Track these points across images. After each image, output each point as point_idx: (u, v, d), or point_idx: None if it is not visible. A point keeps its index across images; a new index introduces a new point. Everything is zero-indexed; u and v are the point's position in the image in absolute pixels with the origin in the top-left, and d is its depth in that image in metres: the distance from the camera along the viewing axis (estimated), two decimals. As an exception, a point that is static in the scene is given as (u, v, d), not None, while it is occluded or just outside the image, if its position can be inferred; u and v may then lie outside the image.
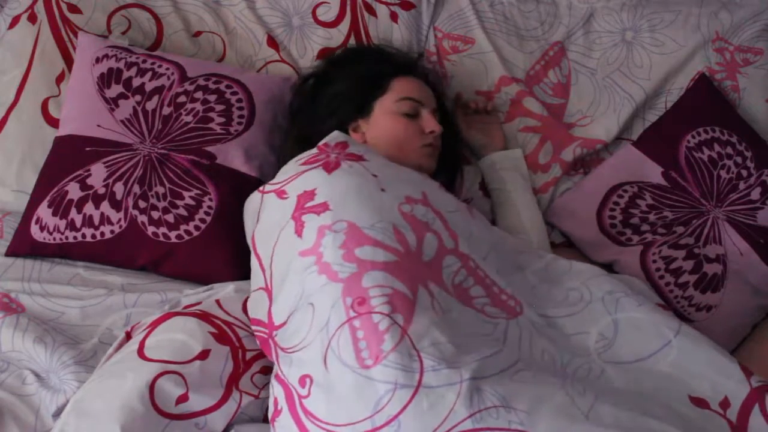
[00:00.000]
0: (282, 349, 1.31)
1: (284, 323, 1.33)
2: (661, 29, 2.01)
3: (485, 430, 1.14)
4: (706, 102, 1.95)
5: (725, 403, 1.30)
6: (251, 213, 1.56)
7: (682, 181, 1.86)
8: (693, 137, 1.90)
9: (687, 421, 1.25)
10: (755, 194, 1.85)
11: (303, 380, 1.24)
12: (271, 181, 1.54)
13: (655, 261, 1.79)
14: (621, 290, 1.47)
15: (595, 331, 1.39)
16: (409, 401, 1.16)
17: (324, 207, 1.39)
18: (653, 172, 1.89)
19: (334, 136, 1.58)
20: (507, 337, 1.34)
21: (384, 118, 1.74)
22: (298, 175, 1.48)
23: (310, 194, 1.42)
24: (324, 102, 1.79)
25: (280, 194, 1.47)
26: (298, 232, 1.38)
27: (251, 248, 1.51)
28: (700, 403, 1.30)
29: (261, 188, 1.55)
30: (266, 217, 1.49)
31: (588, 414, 1.18)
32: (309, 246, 1.35)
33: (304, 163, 1.51)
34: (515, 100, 1.98)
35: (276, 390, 1.31)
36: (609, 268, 1.85)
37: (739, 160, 1.87)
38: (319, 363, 1.23)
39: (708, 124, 1.91)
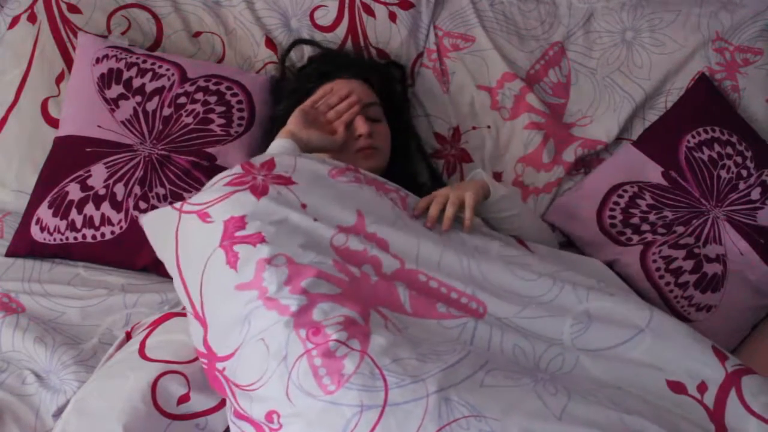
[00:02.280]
0: (237, 386, 1.27)
1: (231, 355, 1.28)
2: (661, 29, 2.01)
3: None
4: (706, 102, 1.95)
5: (702, 387, 1.29)
6: (165, 231, 1.42)
7: (682, 181, 1.87)
8: (693, 137, 1.90)
9: (663, 411, 1.25)
10: (755, 194, 1.85)
11: (270, 416, 1.22)
12: (192, 200, 1.41)
13: (655, 261, 1.79)
14: (588, 285, 1.44)
15: (570, 316, 1.36)
16: (377, 422, 1.14)
17: (259, 238, 1.32)
18: (653, 172, 1.89)
19: (259, 157, 1.50)
20: (474, 337, 1.31)
21: None
22: (224, 198, 1.37)
23: (239, 221, 1.34)
24: (277, 120, 1.79)
25: (203, 217, 1.36)
26: (232, 264, 1.30)
27: (175, 269, 1.39)
28: (677, 387, 1.30)
29: (178, 206, 1.41)
30: (187, 240, 1.38)
31: (561, 416, 1.16)
32: (248, 280, 1.28)
33: (230, 184, 1.40)
34: (519, 96, 1.98)
35: (244, 427, 1.27)
36: (609, 267, 1.85)
37: (739, 160, 1.88)
38: (283, 398, 1.20)
39: (708, 124, 1.91)
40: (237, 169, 1.43)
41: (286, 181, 1.41)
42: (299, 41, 1.98)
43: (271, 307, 1.26)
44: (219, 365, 1.29)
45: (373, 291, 1.32)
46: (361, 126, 1.71)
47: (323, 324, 1.22)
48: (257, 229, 1.32)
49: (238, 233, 1.32)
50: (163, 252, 1.43)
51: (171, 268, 1.40)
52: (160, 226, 1.44)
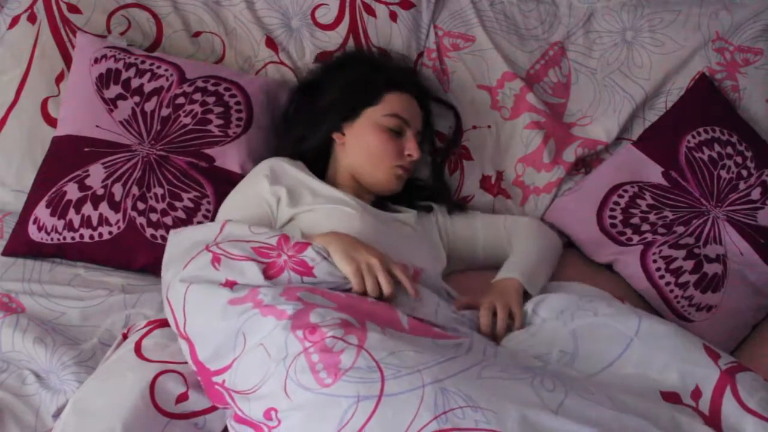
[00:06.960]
0: (238, 392, 1.29)
1: (228, 367, 1.30)
2: (661, 29, 2.01)
3: (452, 431, 1.13)
4: (706, 102, 1.95)
5: (697, 393, 1.29)
6: (181, 255, 1.46)
7: (682, 181, 1.86)
8: (693, 137, 1.90)
9: (661, 408, 1.24)
10: (755, 194, 1.84)
11: (268, 413, 1.23)
12: (220, 243, 1.44)
13: (655, 261, 1.79)
14: (573, 306, 1.46)
15: (556, 350, 1.38)
16: (373, 412, 1.15)
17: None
18: (653, 172, 1.88)
19: (298, 236, 1.50)
20: (472, 349, 1.35)
21: (368, 129, 1.74)
22: (242, 259, 1.40)
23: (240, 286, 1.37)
24: (317, 108, 1.79)
25: (215, 260, 1.40)
26: (228, 286, 1.35)
27: (164, 294, 1.44)
28: (671, 397, 1.29)
29: (209, 245, 1.44)
30: (192, 267, 1.41)
31: (557, 410, 1.17)
32: (242, 295, 1.32)
33: (255, 250, 1.42)
34: (519, 95, 1.98)
35: (245, 431, 1.28)
36: (609, 268, 1.86)
37: (739, 160, 1.87)
38: (281, 394, 1.22)
39: (708, 124, 1.91)
40: (273, 240, 1.44)
41: (306, 271, 1.41)
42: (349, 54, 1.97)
43: (267, 313, 1.28)
44: (217, 378, 1.31)
45: (372, 309, 1.35)
46: (413, 148, 1.75)
47: (320, 325, 1.25)
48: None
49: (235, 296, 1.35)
50: (167, 273, 1.47)
51: (167, 289, 1.44)
52: (179, 250, 1.48)
